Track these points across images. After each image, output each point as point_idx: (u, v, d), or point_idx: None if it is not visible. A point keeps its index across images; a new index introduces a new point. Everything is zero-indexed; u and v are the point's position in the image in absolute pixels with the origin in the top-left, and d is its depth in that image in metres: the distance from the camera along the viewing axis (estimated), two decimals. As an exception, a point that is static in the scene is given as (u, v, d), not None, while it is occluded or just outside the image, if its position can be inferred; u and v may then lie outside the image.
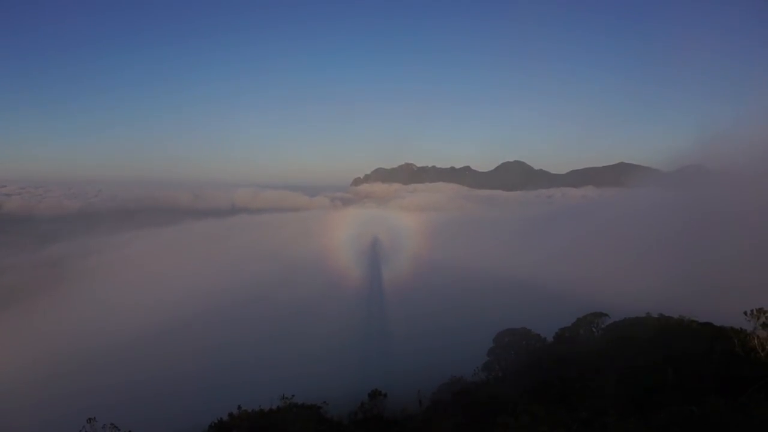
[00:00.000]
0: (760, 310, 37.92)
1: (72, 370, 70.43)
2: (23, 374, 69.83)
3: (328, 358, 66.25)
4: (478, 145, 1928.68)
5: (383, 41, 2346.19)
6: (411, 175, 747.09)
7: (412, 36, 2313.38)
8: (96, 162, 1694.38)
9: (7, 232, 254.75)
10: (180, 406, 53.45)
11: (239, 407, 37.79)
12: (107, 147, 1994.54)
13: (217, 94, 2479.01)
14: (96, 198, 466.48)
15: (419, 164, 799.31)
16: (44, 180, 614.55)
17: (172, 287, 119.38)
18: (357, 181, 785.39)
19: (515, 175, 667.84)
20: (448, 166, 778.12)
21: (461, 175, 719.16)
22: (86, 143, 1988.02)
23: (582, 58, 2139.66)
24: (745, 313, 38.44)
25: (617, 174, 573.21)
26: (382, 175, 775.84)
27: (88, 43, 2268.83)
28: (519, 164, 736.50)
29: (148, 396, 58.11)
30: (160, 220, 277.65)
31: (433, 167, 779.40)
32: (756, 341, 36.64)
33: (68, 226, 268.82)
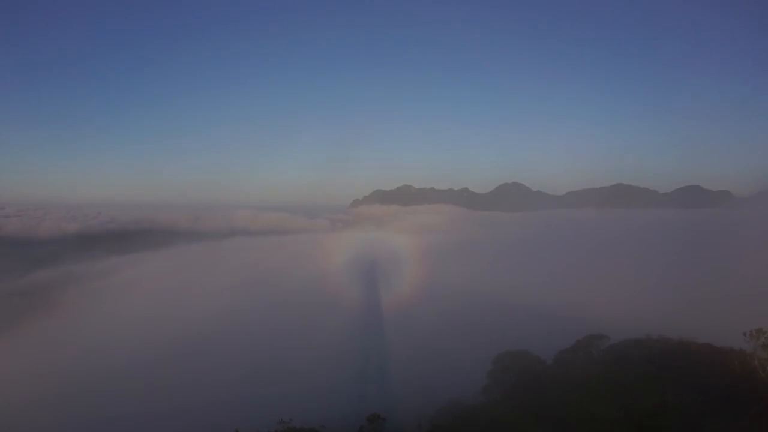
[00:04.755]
0: (759, 331, 37.87)
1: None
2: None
3: (326, 381, 65.38)
4: (476, 167, 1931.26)
5: (379, 63, 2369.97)
6: (410, 196, 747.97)
7: (408, 57, 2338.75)
8: (96, 184, 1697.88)
9: (1, 255, 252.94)
10: (174, 428, 52.85)
11: (236, 431, 37.48)
12: (108, 169, 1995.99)
13: (218, 117, 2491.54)
14: (95, 221, 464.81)
15: (417, 186, 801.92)
16: (43, 202, 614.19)
17: (160, 311, 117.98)
18: (356, 203, 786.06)
19: (513, 197, 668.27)
20: (447, 188, 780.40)
21: (460, 197, 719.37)
22: (86, 166, 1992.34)
23: (578, 79, 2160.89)
24: (745, 334, 38.39)
25: (615, 195, 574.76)
26: (380, 196, 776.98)
27: (86, 66, 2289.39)
28: (517, 186, 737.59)
29: (141, 419, 57.39)
30: (157, 242, 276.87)
31: (432, 189, 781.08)
32: (756, 362, 36.50)
33: (63, 249, 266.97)
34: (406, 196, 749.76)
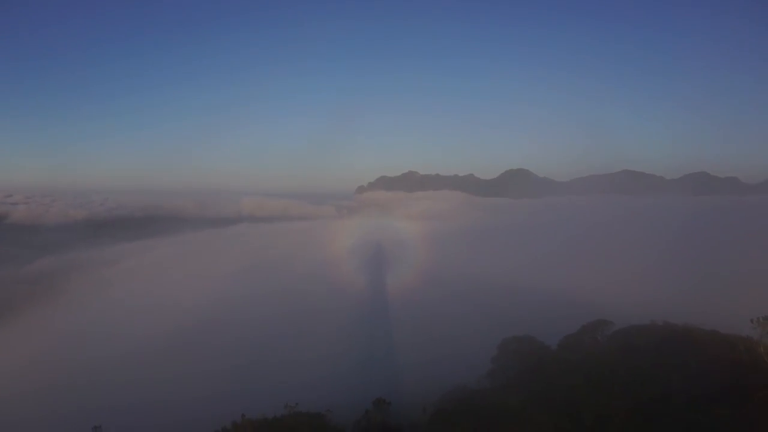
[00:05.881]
0: (766, 318, 37.71)
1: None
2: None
3: (332, 366, 65.75)
4: (482, 153, 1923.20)
5: (384, 49, 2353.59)
6: (415, 182, 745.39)
7: (413, 43, 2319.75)
8: (103, 171, 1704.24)
9: (9, 242, 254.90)
10: (182, 415, 53.18)
11: (243, 416, 37.78)
12: (115, 156, 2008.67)
13: (224, 104, 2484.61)
14: (101, 207, 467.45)
15: (423, 172, 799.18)
16: (51, 189, 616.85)
17: (167, 298, 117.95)
18: (361, 189, 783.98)
19: (519, 183, 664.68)
20: (452, 174, 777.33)
21: (465, 183, 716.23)
22: (94, 152, 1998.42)
23: (583, 65, 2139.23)
24: (752, 320, 38.26)
25: (622, 181, 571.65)
26: (385, 183, 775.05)
27: (92, 54, 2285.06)
28: (523, 172, 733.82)
29: (147, 406, 57.80)
30: (164, 229, 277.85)
31: (437, 175, 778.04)
32: (762, 349, 36.41)
33: (70, 236, 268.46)
34: (411, 183, 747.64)
